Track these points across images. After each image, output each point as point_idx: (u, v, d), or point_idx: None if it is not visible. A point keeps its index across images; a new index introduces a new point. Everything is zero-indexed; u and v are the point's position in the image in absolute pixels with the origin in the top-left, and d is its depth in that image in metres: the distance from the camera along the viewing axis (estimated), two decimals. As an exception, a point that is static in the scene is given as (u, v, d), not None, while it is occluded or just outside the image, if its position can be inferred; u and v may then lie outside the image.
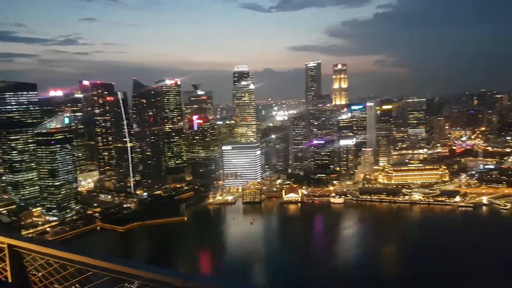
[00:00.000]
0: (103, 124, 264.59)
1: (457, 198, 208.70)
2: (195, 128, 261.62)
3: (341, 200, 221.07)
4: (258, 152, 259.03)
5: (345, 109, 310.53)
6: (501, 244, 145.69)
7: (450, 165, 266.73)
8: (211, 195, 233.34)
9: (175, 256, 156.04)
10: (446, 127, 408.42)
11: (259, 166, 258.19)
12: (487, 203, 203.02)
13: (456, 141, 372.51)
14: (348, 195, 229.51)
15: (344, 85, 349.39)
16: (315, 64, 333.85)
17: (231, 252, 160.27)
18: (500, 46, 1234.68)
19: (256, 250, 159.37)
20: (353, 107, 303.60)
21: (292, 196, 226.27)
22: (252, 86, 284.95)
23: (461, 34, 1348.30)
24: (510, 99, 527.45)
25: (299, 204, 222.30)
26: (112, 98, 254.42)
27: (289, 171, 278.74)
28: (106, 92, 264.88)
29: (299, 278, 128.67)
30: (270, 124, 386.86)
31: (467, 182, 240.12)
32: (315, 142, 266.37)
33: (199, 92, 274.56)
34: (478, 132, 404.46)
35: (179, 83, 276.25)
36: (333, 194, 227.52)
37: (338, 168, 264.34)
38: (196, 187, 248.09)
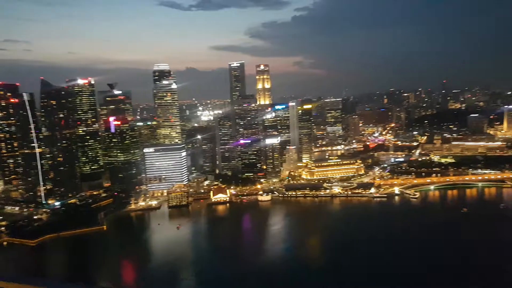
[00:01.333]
0: (6, 128, 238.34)
1: (372, 190, 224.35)
2: (112, 130, 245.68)
3: (268, 197, 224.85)
4: (184, 154, 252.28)
5: (269, 109, 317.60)
6: (411, 232, 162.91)
7: (365, 160, 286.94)
8: (133, 201, 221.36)
9: (95, 269, 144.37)
10: (360, 124, 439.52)
11: (185, 168, 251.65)
12: (399, 193, 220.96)
13: (369, 137, 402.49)
14: (275, 192, 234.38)
15: (267, 85, 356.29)
16: (239, 64, 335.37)
17: (156, 260, 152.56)
18: (406, 48, 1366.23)
19: (183, 255, 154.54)
20: (276, 107, 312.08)
21: (220, 196, 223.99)
22: (174, 86, 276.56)
23: (371, 37, 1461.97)
24: (415, 97, 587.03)
25: (227, 204, 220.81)
26: (17, 100, 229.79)
27: (217, 171, 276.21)
28: (9, 94, 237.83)
29: (228, 278, 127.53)
30: (196, 125, 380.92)
31: (381, 174, 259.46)
32: (241, 141, 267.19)
33: (116, 92, 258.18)
34: (388, 128, 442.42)
35: (93, 82, 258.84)
36: (260, 192, 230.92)
37: (265, 167, 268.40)
38: (116, 193, 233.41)
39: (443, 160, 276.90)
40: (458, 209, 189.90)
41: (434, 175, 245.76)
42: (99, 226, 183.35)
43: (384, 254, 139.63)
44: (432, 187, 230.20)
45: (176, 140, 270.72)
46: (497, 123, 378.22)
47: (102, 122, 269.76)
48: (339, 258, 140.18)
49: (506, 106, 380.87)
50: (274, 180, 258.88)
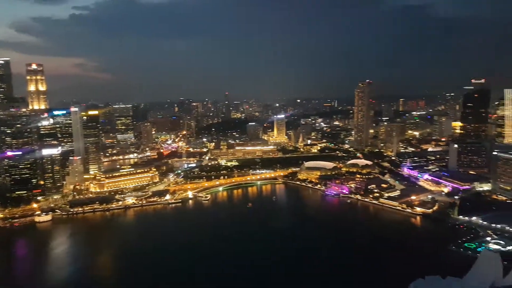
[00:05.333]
0: None
1: (167, 197, 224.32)
2: None
3: (48, 217, 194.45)
4: None
5: (46, 115, 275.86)
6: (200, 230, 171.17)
7: (159, 167, 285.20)
8: None
9: None
10: (153, 132, 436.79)
11: None
12: (192, 197, 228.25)
13: (163, 144, 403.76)
14: (57, 210, 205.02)
15: (42, 87, 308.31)
16: (3, 62, 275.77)
17: None
18: (192, 60, 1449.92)
19: None
20: (55, 113, 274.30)
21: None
22: None
23: (157, 47, 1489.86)
24: (203, 107, 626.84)
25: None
26: None
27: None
28: None
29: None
30: None
31: (175, 180, 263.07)
32: (9, 153, 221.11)
33: None
34: (180, 135, 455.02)
35: None
36: (38, 212, 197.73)
37: (42, 182, 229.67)
38: None
39: (229, 164, 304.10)
40: (244, 205, 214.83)
41: (222, 177, 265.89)
42: None
43: (170, 257, 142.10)
44: (220, 188, 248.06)
45: None
46: (269, 130, 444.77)
47: None
48: (129, 270, 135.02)
49: (275, 116, 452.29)
50: (55, 197, 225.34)
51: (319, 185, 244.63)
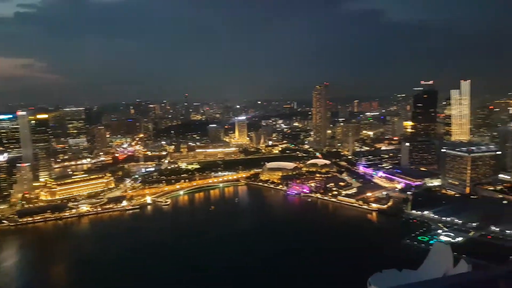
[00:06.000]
0: None
1: (124, 203, 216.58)
2: None
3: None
4: None
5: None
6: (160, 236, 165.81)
7: (115, 172, 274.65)
8: None
9: None
10: (107, 136, 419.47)
11: None
12: (151, 202, 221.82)
13: (118, 149, 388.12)
14: (4, 221, 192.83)
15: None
16: None
17: None
18: (149, 62, 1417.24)
19: None
20: (0, 117, 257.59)
21: None
22: None
23: (112, 46, 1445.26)
24: (161, 108, 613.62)
25: None
26: None
27: None
28: None
29: None
30: None
31: (132, 186, 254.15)
32: None
33: None
34: (137, 138, 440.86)
35: None
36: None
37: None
38: None
39: (190, 167, 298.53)
40: (206, 208, 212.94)
41: (182, 181, 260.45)
42: None
43: (129, 267, 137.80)
44: (181, 192, 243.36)
45: None
46: (231, 132, 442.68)
47: None
48: (84, 283, 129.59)
49: (236, 118, 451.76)
50: (2, 207, 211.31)
51: (281, 185, 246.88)
